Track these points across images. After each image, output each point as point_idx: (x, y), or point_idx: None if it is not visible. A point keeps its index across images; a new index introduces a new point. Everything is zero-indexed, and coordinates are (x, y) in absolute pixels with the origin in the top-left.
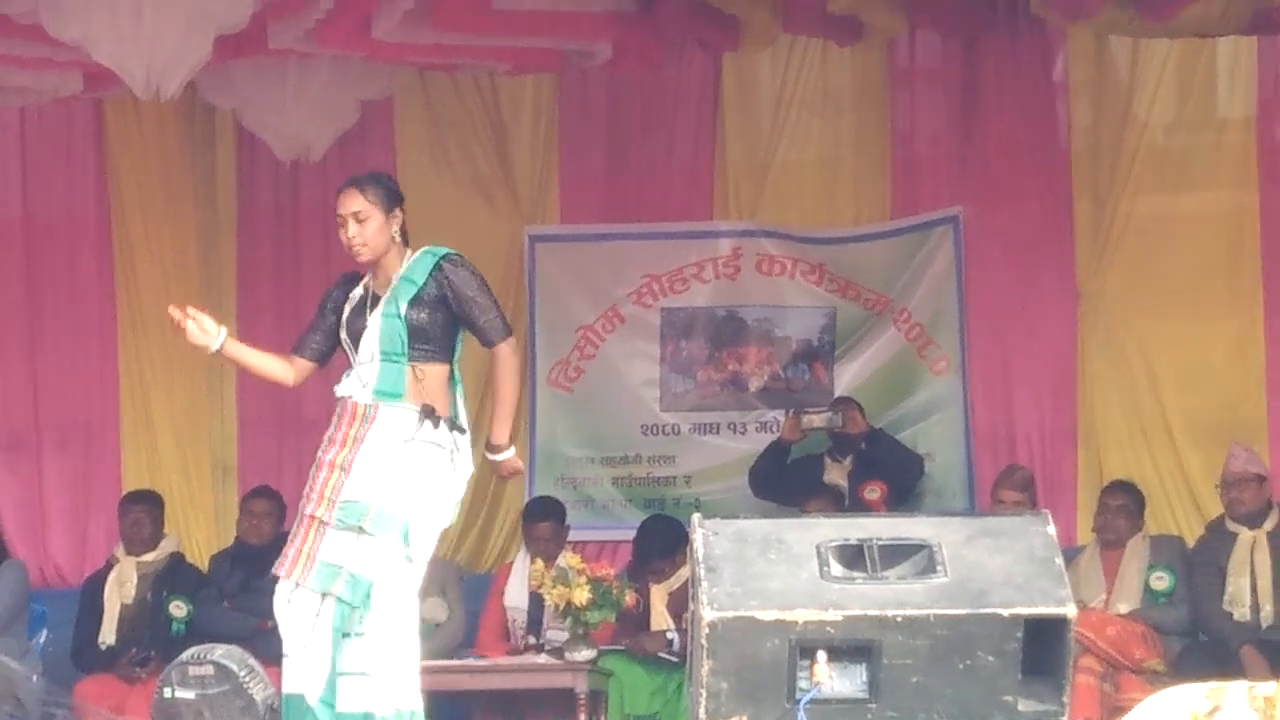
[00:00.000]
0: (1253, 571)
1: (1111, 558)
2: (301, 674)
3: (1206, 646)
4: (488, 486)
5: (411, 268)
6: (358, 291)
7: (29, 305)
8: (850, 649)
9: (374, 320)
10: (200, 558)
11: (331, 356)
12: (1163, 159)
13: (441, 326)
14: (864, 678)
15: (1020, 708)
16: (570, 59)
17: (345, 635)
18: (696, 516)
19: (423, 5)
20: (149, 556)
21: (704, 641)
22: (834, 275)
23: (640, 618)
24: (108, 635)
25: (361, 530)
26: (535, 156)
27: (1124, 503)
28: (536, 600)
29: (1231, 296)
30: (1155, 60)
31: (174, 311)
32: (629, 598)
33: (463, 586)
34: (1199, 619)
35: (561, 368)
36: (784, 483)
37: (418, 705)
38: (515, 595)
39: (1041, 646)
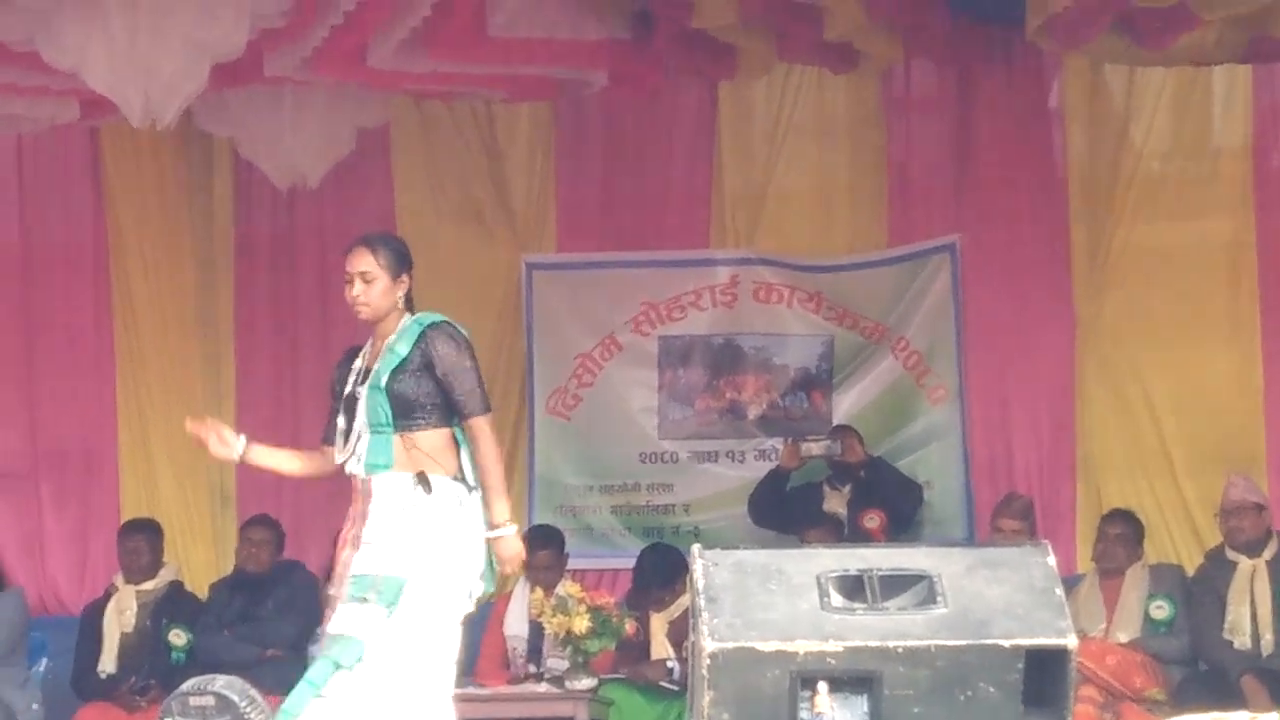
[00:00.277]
0: (1253, 600)
1: (1111, 587)
2: None
3: (1207, 676)
4: None
5: (399, 337)
6: (357, 364)
7: (26, 332)
8: (851, 680)
9: (362, 393)
10: (199, 586)
11: None
12: (1159, 187)
13: (429, 394)
14: (865, 708)
15: None
16: (566, 87)
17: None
18: (696, 547)
19: (418, 33)
20: (148, 585)
21: (705, 672)
22: (831, 303)
23: (640, 646)
24: (108, 664)
25: (365, 600)
26: (532, 184)
27: (1123, 531)
28: (536, 629)
29: (1229, 324)
30: (1151, 88)
31: (192, 426)
32: (629, 626)
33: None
34: (1199, 648)
35: (560, 395)
36: (783, 510)
37: None
38: (515, 624)
39: (1043, 677)
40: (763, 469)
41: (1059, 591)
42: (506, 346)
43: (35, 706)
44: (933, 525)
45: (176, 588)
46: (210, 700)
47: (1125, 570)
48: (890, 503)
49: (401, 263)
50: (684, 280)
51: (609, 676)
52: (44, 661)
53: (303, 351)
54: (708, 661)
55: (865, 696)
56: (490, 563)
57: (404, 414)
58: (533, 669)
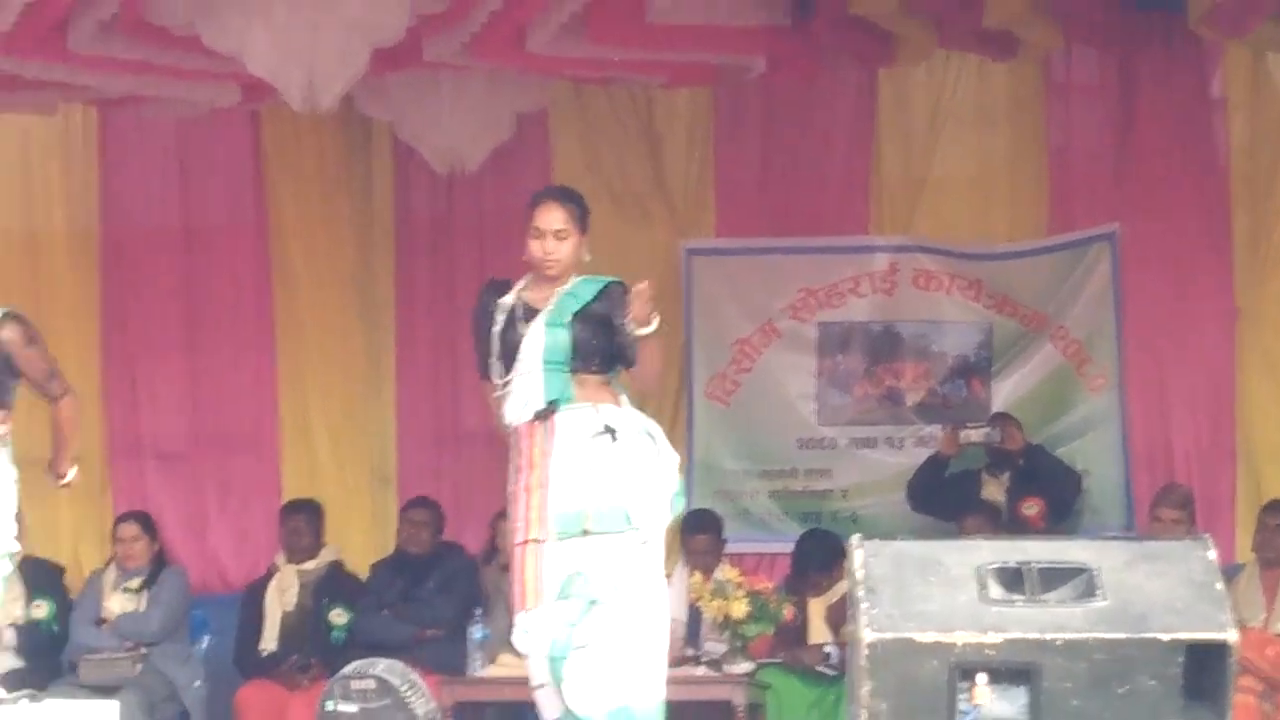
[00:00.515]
0: None
1: (1271, 577)
2: (555, 701)
3: None
4: None
5: (578, 285)
6: (507, 300)
7: (188, 315)
8: (1010, 672)
9: (535, 330)
10: (357, 566)
11: None
12: None
13: (601, 345)
14: (1024, 700)
15: None
16: (725, 73)
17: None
18: (856, 537)
19: (577, 19)
20: (309, 565)
21: (864, 662)
22: (991, 291)
23: (798, 631)
24: (269, 642)
25: (586, 533)
26: (690, 169)
27: None
28: (695, 613)
29: None
30: None
31: None
32: (786, 611)
33: None
34: None
35: (719, 381)
36: (941, 497)
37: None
38: (673, 608)
39: (1202, 671)
40: (921, 455)
41: (1219, 585)
42: (664, 332)
43: (198, 683)
44: (1091, 514)
45: (337, 567)
46: (371, 684)
47: None
48: (1049, 491)
49: (587, 220)
50: (842, 266)
51: (766, 661)
52: (206, 639)
53: (462, 335)
54: (866, 652)
55: (1024, 688)
56: (680, 487)
57: (581, 355)
58: (690, 652)
